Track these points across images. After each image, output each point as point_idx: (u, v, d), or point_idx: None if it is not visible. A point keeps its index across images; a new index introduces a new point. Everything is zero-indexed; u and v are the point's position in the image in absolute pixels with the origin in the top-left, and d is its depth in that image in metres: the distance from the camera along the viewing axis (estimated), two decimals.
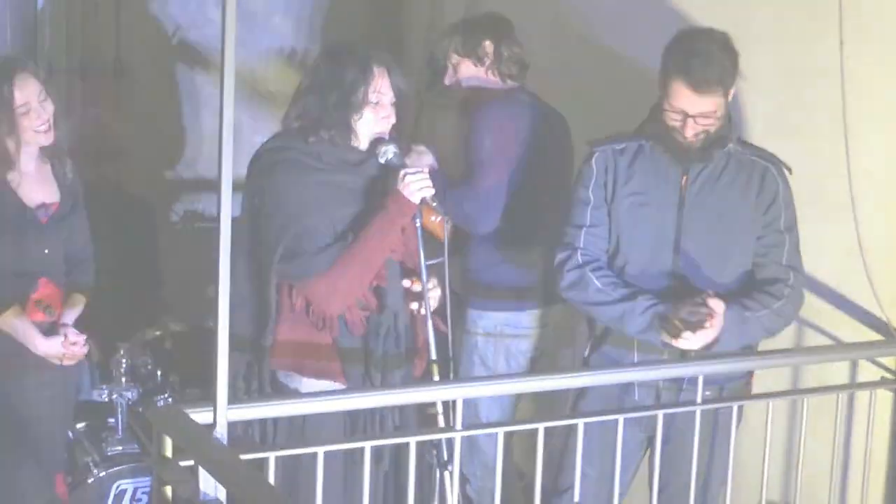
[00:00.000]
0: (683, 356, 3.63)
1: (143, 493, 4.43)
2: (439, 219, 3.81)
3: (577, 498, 3.49)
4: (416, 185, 3.56)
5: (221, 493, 2.75)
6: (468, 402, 3.52)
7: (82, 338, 4.07)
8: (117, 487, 4.40)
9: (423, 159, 4.21)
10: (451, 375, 3.68)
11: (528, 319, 4.47)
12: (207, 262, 2.79)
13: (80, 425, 4.57)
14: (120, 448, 4.47)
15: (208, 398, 2.83)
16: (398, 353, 3.64)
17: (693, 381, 3.56)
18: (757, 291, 3.67)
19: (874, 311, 3.87)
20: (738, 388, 3.79)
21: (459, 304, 4.20)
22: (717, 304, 3.53)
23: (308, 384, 3.60)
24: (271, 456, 3.03)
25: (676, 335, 3.55)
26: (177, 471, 2.79)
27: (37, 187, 4.04)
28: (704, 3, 4.27)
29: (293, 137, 3.64)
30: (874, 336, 3.87)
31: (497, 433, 3.40)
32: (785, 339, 3.89)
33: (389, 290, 3.63)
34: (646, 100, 3.76)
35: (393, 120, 3.66)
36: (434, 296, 3.64)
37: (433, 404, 3.59)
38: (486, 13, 4.61)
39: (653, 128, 3.70)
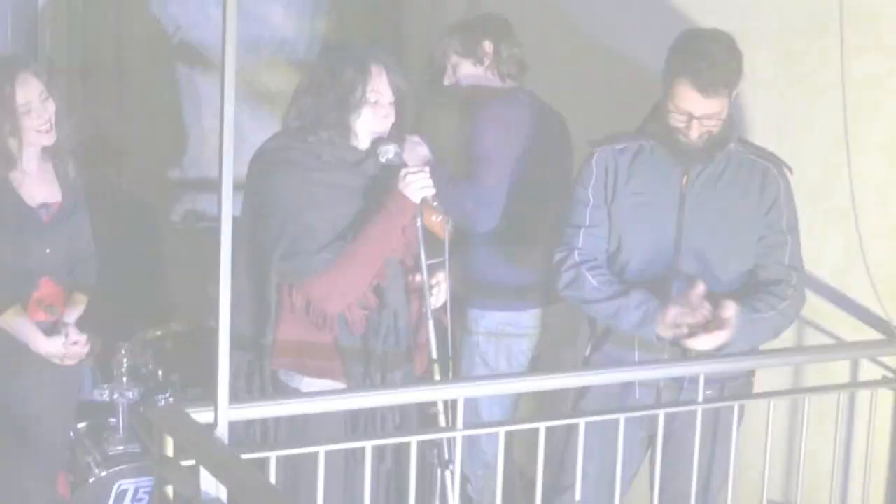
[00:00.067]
0: (685, 355, 3.63)
1: (144, 492, 4.43)
2: (440, 218, 3.81)
3: (578, 497, 3.49)
4: (417, 184, 3.55)
5: (222, 493, 2.75)
6: (469, 402, 3.52)
7: (83, 337, 4.07)
8: (118, 487, 4.40)
9: (418, 150, 4.20)
10: (452, 375, 3.68)
11: (529, 319, 4.47)
12: (208, 262, 2.80)
13: (81, 425, 4.57)
14: (121, 448, 4.46)
15: (209, 398, 2.83)
16: (399, 351, 3.64)
17: (694, 380, 3.56)
18: (762, 293, 3.66)
19: (875, 310, 3.87)
20: (739, 388, 3.79)
21: (460, 304, 4.20)
22: (729, 306, 3.53)
23: (309, 383, 3.59)
24: (272, 455, 3.03)
25: (689, 336, 3.54)
26: (178, 470, 2.79)
27: (39, 187, 4.04)
28: (704, 2, 4.27)
29: (293, 137, 3.63)
30: (875, 335, 3.86)
31: (498, 432, 3.40)
32: (786, 338, 3.89)
33: (390, 288, 3.62)
34: (646, 100, 3.76)
35: (392, 119, 3.66)
36: (443, 289, 3.65)
37: (434, 404, 3.59)
38: (486, 13, 4.61)
39: (654, 128, 3.70)
